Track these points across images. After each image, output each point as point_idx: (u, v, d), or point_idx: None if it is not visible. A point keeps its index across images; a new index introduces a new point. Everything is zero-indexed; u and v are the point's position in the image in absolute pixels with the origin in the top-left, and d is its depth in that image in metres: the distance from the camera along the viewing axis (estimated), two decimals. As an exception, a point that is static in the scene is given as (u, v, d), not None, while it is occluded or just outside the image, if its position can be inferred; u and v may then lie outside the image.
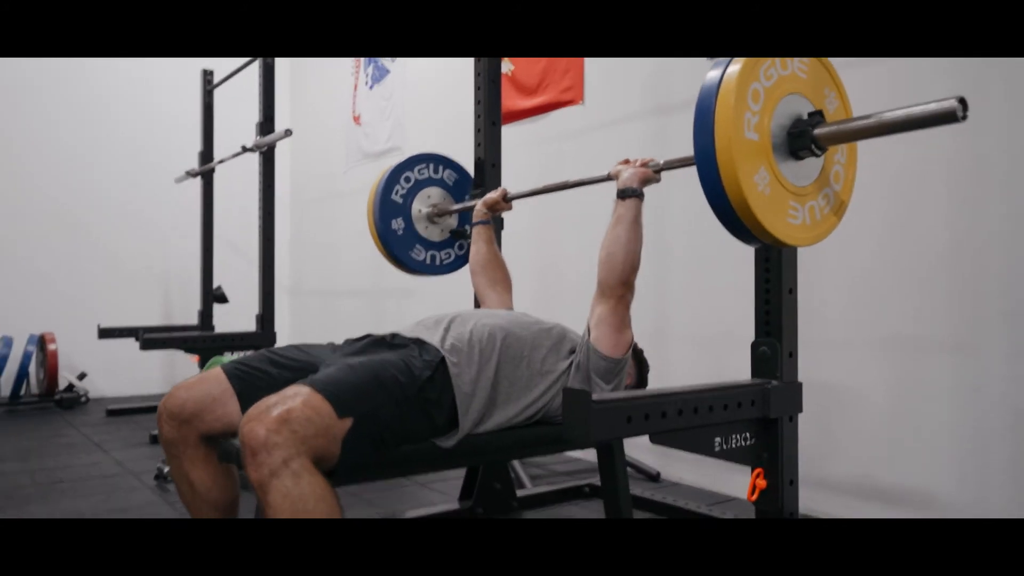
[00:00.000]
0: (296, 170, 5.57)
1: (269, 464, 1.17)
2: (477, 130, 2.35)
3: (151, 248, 4.92)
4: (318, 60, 5.12)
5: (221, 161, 4.07)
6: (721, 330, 2.60)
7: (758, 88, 1.28)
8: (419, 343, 1.53)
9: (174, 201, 4.74)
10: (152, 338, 3.30)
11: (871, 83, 1.93)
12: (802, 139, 1.32)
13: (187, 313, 4.69)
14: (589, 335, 1.66)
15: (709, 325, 2.66)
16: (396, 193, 2.21)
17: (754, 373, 1.59)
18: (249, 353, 1.61)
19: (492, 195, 2.08)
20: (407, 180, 2.23)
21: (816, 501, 2.29)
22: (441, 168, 2.31)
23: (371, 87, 4.55)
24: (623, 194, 1.63)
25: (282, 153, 5.43)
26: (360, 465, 1.38)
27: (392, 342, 1.55)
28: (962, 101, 1.15)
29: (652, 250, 2.88)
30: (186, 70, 4.59)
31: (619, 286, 1.60)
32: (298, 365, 1.52)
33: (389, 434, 1.37)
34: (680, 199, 2.37)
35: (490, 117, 2.34)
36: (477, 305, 2.12)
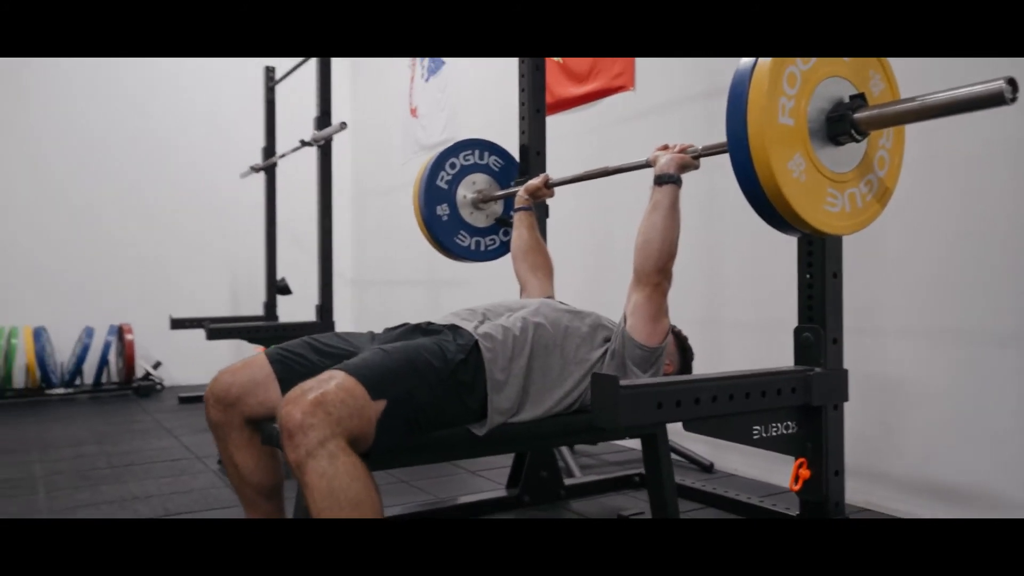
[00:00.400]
0: (357, 163, 5.68)
1: (305, 445, 1.20)
2: (521, 118, 2.35)
3: (221, 241, 5.10)
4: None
5: (282, 156, 4.17)
6: (775, 316, 2.53)
7: (795, 71, 1.24)
8: (453, 328, 1.54)
9: (243, 195, 4.89)
10: (217, 328, 3.43)
11: (924, 64, 1.85)
12: (841, 124, 1.27)
13: (254, 304, 4.84)
14: (625, 323, 1.64)
15: (762, 311, 2.59)
16: (441, 179, 2.23)
17: (797, 360, 1.55)
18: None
19: (534, 181, 2.08)
20: (452, 166, 2.25)
21: (876, 496, 2.21)
22: (487, 154, 2.32)
23: (427, 80, 4.60)
24: (660, 180, 1.60)
25: (343, 147, 5.57)
26: (396, 449, 1.41)
27: (427, 328, 1.57)
28: (1011, 82, 1.08)
29: (704, 235, 2.86)
30: (251, 68, 4.72)
31: (655, 273, 1.58)
32: (338, 352, 1.56)
33: (423, 417, 1.39)
34: (733, 183, 2.32)
35: (534, 104, 2.33)
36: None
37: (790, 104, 1.23)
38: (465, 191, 2.28)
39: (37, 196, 4.56)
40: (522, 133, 2.34)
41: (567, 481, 2.40)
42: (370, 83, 5.56)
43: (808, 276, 1.54)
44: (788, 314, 1.54)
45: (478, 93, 4.21)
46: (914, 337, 2.17)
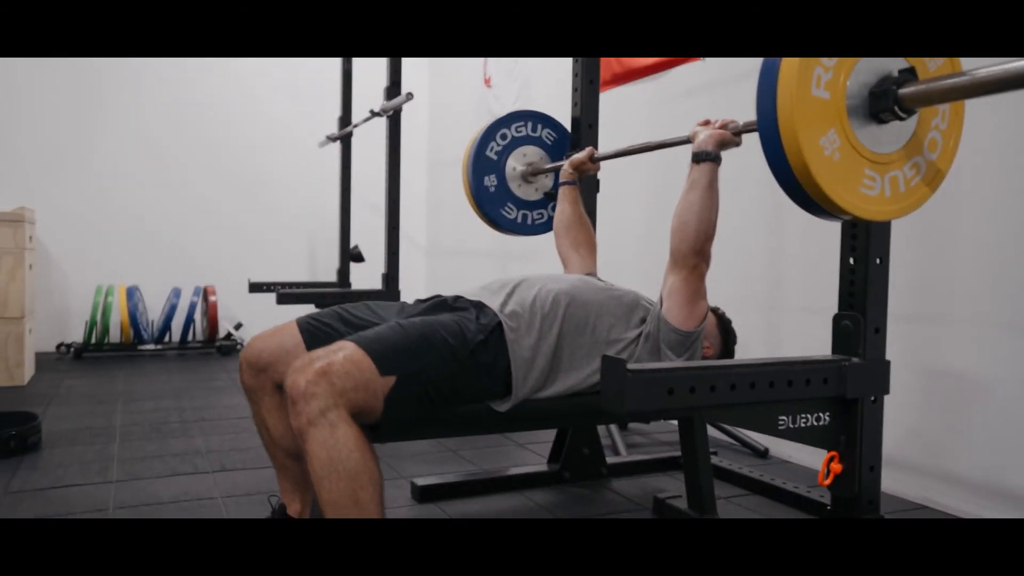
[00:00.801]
0: (433, 133, 5.71)
1: (307, 413, 1.23)
2: (575, 89, 2.30)
3: (301, 209, 5.24)
4: (455, 24, 5.18)
5: (355, 126, 4.24)
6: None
7: None
8: (479, 306, 1.53)
9: (324, 163, 5.01)
10: (286, 293, 3.55)
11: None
12: (884, 99, 1.17)
13: (331, 270, 4.98)
14: (661, 305, 1.60)
15: (825, 295, 2.46)
16: (491, 150, 2.21)
17: (835, 349, 1.47)
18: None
19: (578, 155, 2.04)
20: (503, 137, 2.23)
21: (943, 495, 2.09)
22: (540, 126, 2.29)
23: (501, 49, 4.55)
24: (697, 157, 1.54)
25: (419, 116, 5.62)
26: (411, 422, 1.42)
27: (454, 304, 1.57)
28: None
29: (765, 214, 2.73)
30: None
31: (692, 255, 1.52)
32: (365, 323, 1.58)
33: (437, 394, 1.40)
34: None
35: (588, 76, 2.28)
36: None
37: (827, 76, 1.15)
38: (515, 163, 2.26)
39: (137, 167, 4.81)
40: (575, 105, 2.29)
41: (611, 459, 2.38)
42: (448, 62, 5.56)
43: (851, 261, 1.45)
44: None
45: (550, 63, 4.14)
46: (985, 330, 2.01)
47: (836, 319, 1.47)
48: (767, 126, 1.16)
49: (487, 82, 4.76)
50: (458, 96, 5.25)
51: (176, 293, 4.66)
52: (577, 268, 1.95)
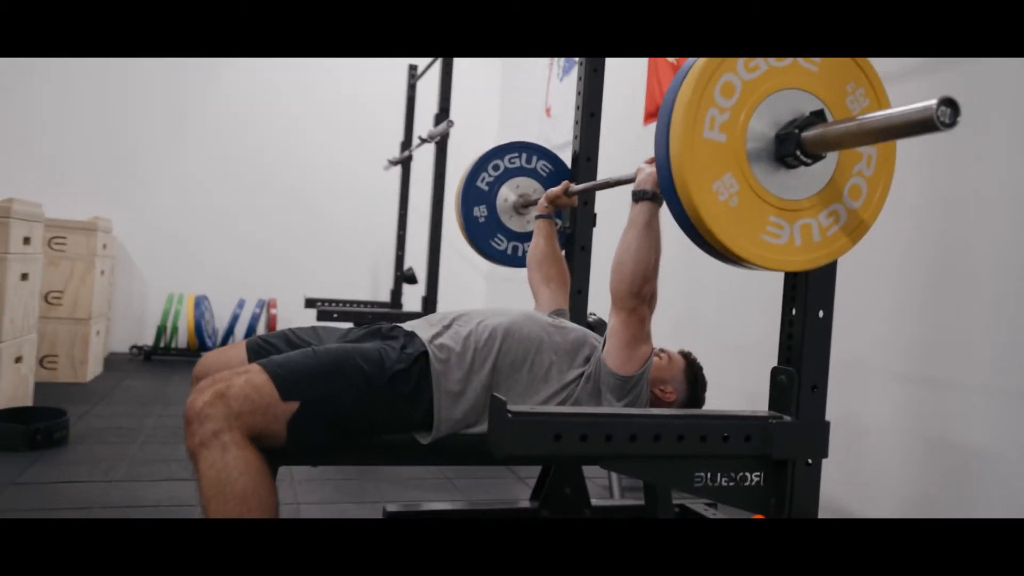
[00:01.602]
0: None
1: (200, 434, 1.25)
2: (575, 122, 2.27)
3: (365, 229, 5.40)
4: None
5: (411, 151, 4.34)
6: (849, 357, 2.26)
7: (733, 80, 1.09)
8: (410, 336, 1.53)
9: (387, 186, 5.15)
10: (325, 310, 3.65)
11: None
12: (787, 143, 1.10)
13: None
14: (603, 347, 1.54)
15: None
16: (482, 180, 2.21)
17: (771, 405, 1.37)
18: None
19: (554, 189, 2.01)
20: (495, 168, 2.23)
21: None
22: (535, 158, 2.27)
23: (561, 79, 4.57)
24: (636, 196, 1.49)
25: (488, 143, 5.69)
26: (323, 447, 1.43)
27: (388, 333, 1.57)
28: (947, 103, 0.88)
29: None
30: (396, 65, 4.95)
31: (630, 297, 1.46)
32: (307, 345, 1.60)
33: (348, 421, 1.40)
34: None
35: (589, 108, 2.24)
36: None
37: (723, 117, 1.09)
38: (507, 194, 2.25)
39: (211, 184, 5.10)
40: (575, 138, 2.26)
41: (597, 502, 2.30)
42: (516, 82, 5.62)
43: (790, 311, 1.35)
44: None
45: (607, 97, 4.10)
46: (999, 397, 1.83)
47: (773, 373, 1.37)
48: (661, 167, 1.11)
49: (548, 112, 4.77)
50: (522, 125, 5.29)
51: (240, 304, 4.89)
52: (547, 303, 1.92)
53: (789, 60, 1.12)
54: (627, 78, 3.54)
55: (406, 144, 4.65)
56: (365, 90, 5.36)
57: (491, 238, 2.24)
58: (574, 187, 1.99)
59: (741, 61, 1.09)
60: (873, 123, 0.98)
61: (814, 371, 1.33)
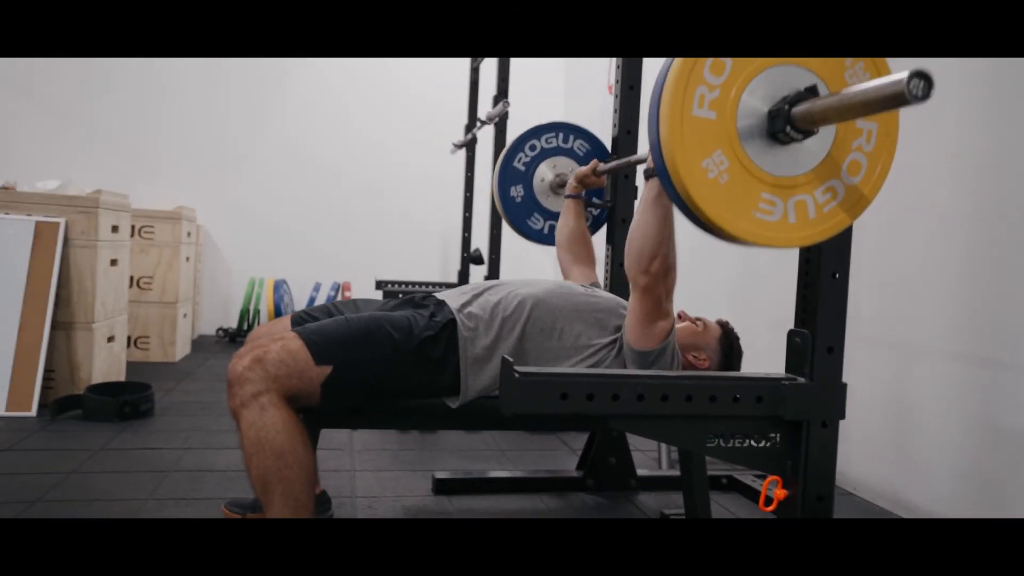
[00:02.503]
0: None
1: (241, 396, 1.36)
2: (615, 95, 2.28)
3: (435, 212, 5.52)
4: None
5: (474, 132, 4.42)
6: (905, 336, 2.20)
7: (722, 58, 1.10)
8: (440, 304, 1.60)
9: (452, 168, 5.26)
10: (389, 291, 3.79)
11: None
12: (778, 119, 1.09)
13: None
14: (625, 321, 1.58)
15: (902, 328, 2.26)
16: (519, 160, 2.26)
17: (788, 367, 1.38)
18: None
19: (583, 169, 2.04)
20: (532, 148, 2.27)
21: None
22: (572, 138, 2.30)
23: (622, 55, 4.54)
24: (646, 174, 1.51)
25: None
26: (356, 410, 1.53)
27: (419, 302, 1.65)
28: (919, 76, 0.86)
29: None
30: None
31: (640, 275, 1.47)
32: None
33: (380, 385, 1.48)
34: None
35: (627, 81, 2.25)
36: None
37: (712, 95, 1.08)
38: (544, 174, 2.29)
39: (288, 173, 5.33)
40: (614, 112, 2.28)
41: (644, 472, 2.33)
42: (580, 60, 5.61)
43: (806, 273, 1.35)
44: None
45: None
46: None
47: (789, 335, 1.37)
48: (653, 148, 1.12)
49: (610, 89, 4.75)
50: (589, 102, 5.29)
51: (316, 287, 5.10)
52: (578, 280, 1.96)
53: (784, 33, 1.11)
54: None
55: (470, 127, 4.74)
56: (431, 77, 5.47)
57: (528, 217, 2.28)
58: (602, 166, 2.01)
59: (731, 35, 1.10)
60: (852, 97, 0.97)
61: (830, 333, 1.33)
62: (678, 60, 1.09)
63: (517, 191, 2.27)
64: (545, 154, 2.28)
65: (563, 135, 2.29)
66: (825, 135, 1.13)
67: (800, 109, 1.07)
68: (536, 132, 2.29)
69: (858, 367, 2.36)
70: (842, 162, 1.14)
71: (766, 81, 1.11)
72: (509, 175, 2.26)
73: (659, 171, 1.12)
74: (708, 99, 1.09)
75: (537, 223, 2.29)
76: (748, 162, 1.10)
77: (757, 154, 1.11)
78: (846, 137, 1.14)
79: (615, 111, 2.28)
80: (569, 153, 2.29)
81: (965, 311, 2.02)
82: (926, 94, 0.87)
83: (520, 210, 2.28)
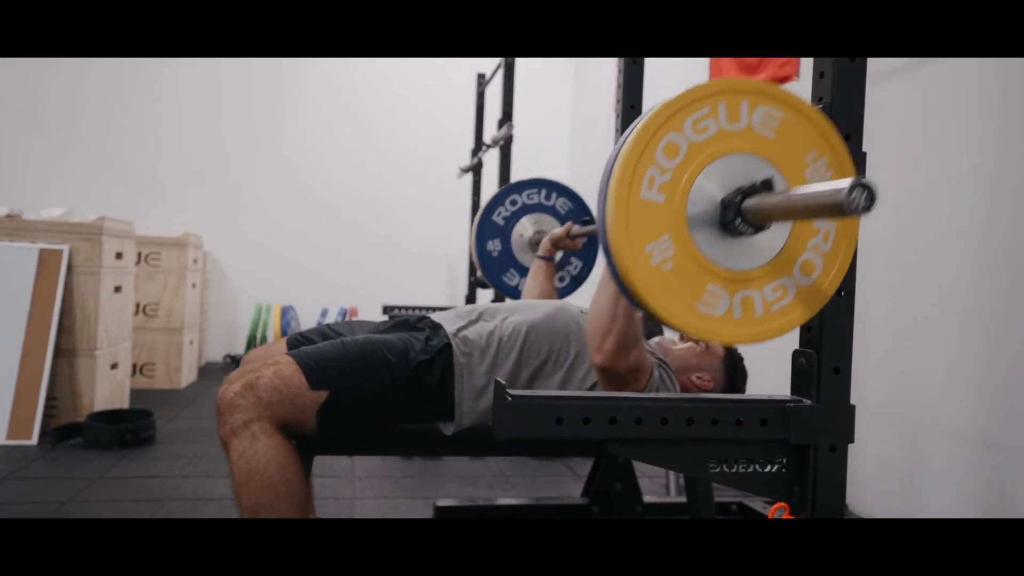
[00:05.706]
0: (574, 161, 5.78)
1: (231, 424, 1.33)
2: (616, 115, 2.26)
3: (441, 236, 5.52)
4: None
5: (479, 156, 4.41)
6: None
7: (678, 140, 1.03)
8: (435, 328, 1.57)
9: (457, 191, 5.26)
10: (393, 315, 3.75)
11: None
12: (729, 210, 1.04)
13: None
14: None
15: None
16: (498, 214, 2.23)
17: (793, 389, 1.33)
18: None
19: (557, 231, 2.02)
20: (513, 203, 2.24)
21: None
22: (554, 195, 2.26)
23: (627, 77, 4.53)
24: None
25: (559, 144, 5.74)
26: (351, 436, 1.49)
27: (415, 325, 1.62)
28: (861, 187, 0.82)
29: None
30: (466, 74, 5.04)
31: (594, 353, 1.32)
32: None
33: (375, 410, 1.45)
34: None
35: (628, 100, 2.23)
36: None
37: (663, 177, 1.03)
38: (523, 230, 2.26)
39: (294, 199, 5.35)
40: (615, 131, 2.25)
41: (651, 498, 2.27)
42: (588, 83, 5.63)
43: (810, 292, 1.31)
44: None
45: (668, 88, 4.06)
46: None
47: (794, 356, 1.33)
48: (599, 225, 1.05)
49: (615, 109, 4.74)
50: (594, 123, 5.29)
51: (323, 312, 5.09)
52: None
53: (743, 124, 1.06)
54: (684, 77, 3.49)
55: (475, 151, 4.74)
56: (436, 102, 5.49)
57: (503, 273, 2.25)
58: (576, 229, 1.99)
59: (689, 121, 1.04)
60: (796, 200, 0.93)
61: (836, 353, 1.29)
62: (631, 139, 1.04)
63: (494, 245, 2.23)
64: (526, 209, 2.24)
65: (545, 191, 2.24)
66: (780, 231, 1.07)
67: (750, 203, 1.02)
68: (518, 187, 2.25)
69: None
70: (795, 260, 1.09)
71: (724, 167, 1.05)
72: (488, 229, 2.23)
73: (604, 250, 1.08)
74: (659, 182, 1.03)
75: (512, 279, 2.25)
76: (695, 251, 1.04)
77: (707, 244, 1.05)
78: (801, 235, 1.08)
79: (616, 130, 2.25)
80: (550, 210, 2.24)
81: (975, 319, 1.97)
82: (867, 206, 0.83)
83: (496, 265, 2.24)
